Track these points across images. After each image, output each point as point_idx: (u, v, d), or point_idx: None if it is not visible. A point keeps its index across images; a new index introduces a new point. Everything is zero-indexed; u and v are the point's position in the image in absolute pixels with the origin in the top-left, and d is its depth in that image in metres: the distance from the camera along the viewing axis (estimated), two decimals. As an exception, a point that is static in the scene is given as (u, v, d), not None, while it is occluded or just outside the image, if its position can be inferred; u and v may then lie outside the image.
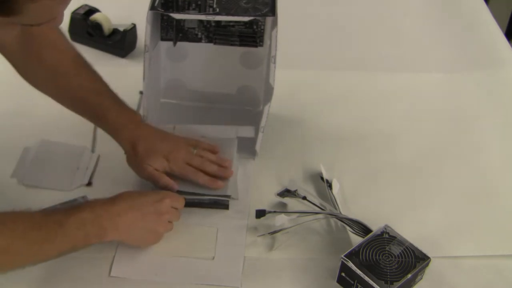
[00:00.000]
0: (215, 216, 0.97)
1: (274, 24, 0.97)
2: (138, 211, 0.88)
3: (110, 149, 1.03)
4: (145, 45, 0.98)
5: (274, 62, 0.99)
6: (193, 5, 0.96)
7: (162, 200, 0.91)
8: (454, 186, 1.05)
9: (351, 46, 1.36)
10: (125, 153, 0.98)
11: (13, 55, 0.97)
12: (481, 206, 1.02)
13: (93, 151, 1.06)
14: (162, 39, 1.10)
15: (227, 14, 0.95)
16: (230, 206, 0.98)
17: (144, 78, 1.00)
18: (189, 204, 0.97)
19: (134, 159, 0.97)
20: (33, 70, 0.99)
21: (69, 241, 0.83)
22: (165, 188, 0.96)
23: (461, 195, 1.04)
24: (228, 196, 0.98)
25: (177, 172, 0.97)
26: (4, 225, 0.79)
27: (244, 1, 0.96)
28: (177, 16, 0.97)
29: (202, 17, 0.96)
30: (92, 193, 0.97)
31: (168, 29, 1.09)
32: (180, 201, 0.93)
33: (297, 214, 0.95)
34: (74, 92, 0.99)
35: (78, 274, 0.88)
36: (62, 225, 0.82)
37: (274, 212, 0.96)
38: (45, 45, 0.98)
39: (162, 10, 0.95)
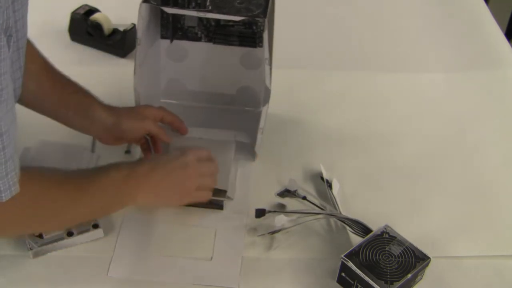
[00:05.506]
0: (214, 217, 0.97)
1: (266, 26, 0.96)
2: (162, 169, 0.90)
3: (110, 149, 1.02)
4: (137, 38, 0.98)
5: (269, 64, 0.99)
6: (193, 3, 0.96)
7: (185, 153, 0.92)
8: (454, 186, 1.05)
9: (350, 46, 1.36)
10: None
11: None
12: (481, 206, 1.02)
13: (93, 151, 1.06)
14: (162, 37, 1.10)
15: (219, 12, 0.95)
16: (229, 207, 0.98)
17: (134, 73, 1.00)
18: None
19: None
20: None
21: (101, 197, 0.85)
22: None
23: (461, 195, 1.04)
24: (225, 193, 0.97)
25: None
26: (40, 174, 0.81)
27: (238, 1, 0.96)
28: (169, 10, 0.96)
29: (194, 13, 0.95)
30: (91, 193, 0.97)
31: (168, 27, 1.09)
32: (205, 152, 0.95)
33: (297, 214, 0.95)
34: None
35: (76, 274, 0.88)
36: (92, 182, 0.84)
37: (274, 212, 0.96)
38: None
39: (155, 3, 0.95)
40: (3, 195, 0.72)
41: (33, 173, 0.79)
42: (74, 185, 0.83)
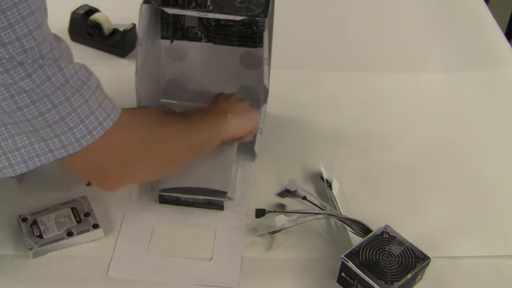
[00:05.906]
0: (214, 217, 0.97)
1: (266, 26, 0.96)
2: (224, 102, 1.02)
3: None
4: (138, 39, 0.98)
5: (268, 64, 0.99)
6: (193, 3, 0.96)
7: (215, 95, 1.07)
8: (454, 186, 1.05)
9: (350, 46, 1.36)
10: None
11: None
12: (481, 206, 1.02)
13: (92, 151, 1.06)
14: (162, 37, 1.10)
15: (219, 12, 0.95)
16: (228, 207, 0.98)
17: (136, 73, 1.00)
18: (184, 203, 0.97)
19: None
20: None
21: (197, 132, 0.94)
22: None
23: (461, 195, 1.04)
24: (225, 194, 0.97)
25: None
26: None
27: (238, 1, 0.96)
28: (169, 10, 0.97)
29: (194, 13, 0.96)
30: (92, 193, 0.97)
31: (168, 27, 1.10)
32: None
33: (297, 214, 0.95)
34: None
35: (75, 273, 0.88)
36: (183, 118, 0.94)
37: (274, 212, 0.96)
38: None
39: (156, 4, 0.95)
40: (83, 141, 0.79)
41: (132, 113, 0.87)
42: (173, 119, 0.93)
